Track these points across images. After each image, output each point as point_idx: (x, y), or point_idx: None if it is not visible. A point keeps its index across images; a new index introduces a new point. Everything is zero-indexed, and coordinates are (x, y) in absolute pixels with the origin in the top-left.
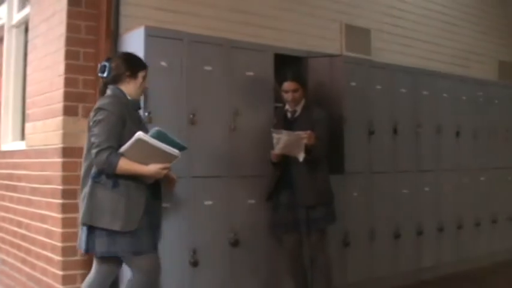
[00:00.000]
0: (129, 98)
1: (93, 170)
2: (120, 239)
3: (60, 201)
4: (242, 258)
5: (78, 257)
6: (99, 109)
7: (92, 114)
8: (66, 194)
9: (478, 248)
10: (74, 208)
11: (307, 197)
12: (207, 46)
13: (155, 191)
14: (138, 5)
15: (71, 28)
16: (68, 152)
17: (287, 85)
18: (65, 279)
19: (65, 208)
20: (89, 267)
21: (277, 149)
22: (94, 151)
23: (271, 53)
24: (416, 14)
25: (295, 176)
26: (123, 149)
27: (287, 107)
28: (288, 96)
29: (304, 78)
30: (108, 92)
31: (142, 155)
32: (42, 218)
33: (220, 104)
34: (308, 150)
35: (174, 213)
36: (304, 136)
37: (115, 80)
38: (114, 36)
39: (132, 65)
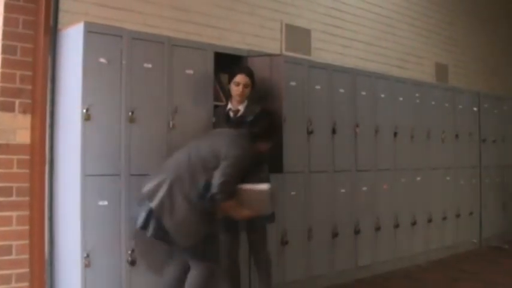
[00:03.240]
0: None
1: (195, 187)
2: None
3: None
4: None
5: (13, 256)
6: (241, 148)
7: (229, 146)
8: (2, 191)
9: (414, 247)
10: (10, 206)
11: None
12: (147, 43)
13: None
14: (78, 0)
15: (8, 22)
16: (3, 148)
17: (240, 77)
18: (0, 279)
19: (0, 206)
20: (24, 267)
21: None
22: (224, 177)
23: (211, 52)
24: (356, 16)
25: None
26: (244, 186)
27: (229, 106)
28: (237, 89)
29: (255, 79)
30: (245, 139)
31: (246, 198)
32: None
33: (159, 102)
34: None
35: (112, 212)
36: None
37: (255, 134)
38: (53, 31)
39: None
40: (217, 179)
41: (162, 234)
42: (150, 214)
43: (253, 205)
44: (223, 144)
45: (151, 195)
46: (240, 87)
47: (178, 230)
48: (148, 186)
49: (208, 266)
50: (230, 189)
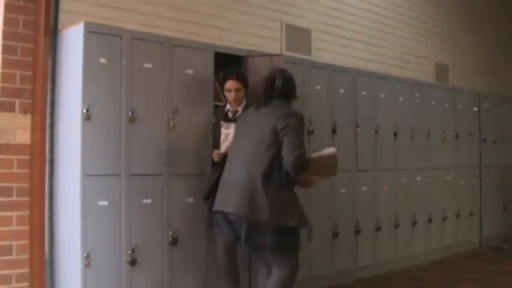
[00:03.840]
0: None
1: (273, 169)
2: (288, 236)
3: None
4: (180, 257)
5: (13, 256)
6: (292, 115)
7: (281, 118)
8: (2, 191)
9: (414, 247)
10: (10, 206)
11: None
12: (147, 43)
13: None
14: (78, 0)
15: (8, 22)
16: (3, 148)
17: (231, 84)
18: (0, 279)
19: (0, 206)
20: (24, 267)
21: (224, 148)
22: (297, 151)
23: (211, 52)
24: (356, 16)
25: None
26: (314, 155)
27: (228, 106)
28: (230, 96)
29: (247, 79)
30: (284, 102)
31: (317, 165)
32: None
33: (159, 102)
34: None
35: (112, 212)
36: None
37: (285, 98)
38: (53, 31)
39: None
40: (287, 156)
41: (253, 240)
42: (233, 224)
43: (324, 170)
44: (273, 119)
45: (235, 206)
46: (232, 93)
47: (275, 216)
48: (225, 201)
49: (294, 262)
50: (303, 161)
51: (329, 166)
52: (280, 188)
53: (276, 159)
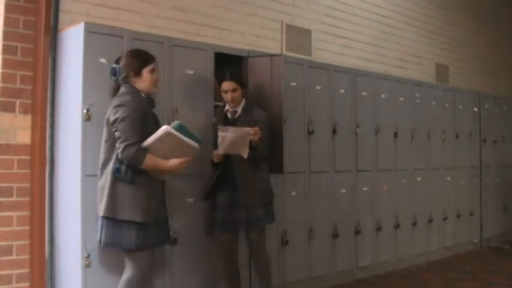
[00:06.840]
0: (143, 95)
1: (113, 164)
2: (131, 232)
3: None
4: (180, 257)
5: (13, 257)
6: (121, 106)
7: (112, 110)
8: (2, 192)
9: (414, 247)
10: (10, 206)
11: (248, 196)
12: (148, 43)
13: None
14: (78, 0)
15: (8, 22)
16: (4, 149)
17: (226, 85)
18: (0, 280)
19: (1, 207)
20: (24, 267)
21: (221, 149)
22: (121, 145)
23: (211, 52)
24: (357, 16)
25: (236, 176)
26: (147, 142)
27: (227, 107)
28: (227, 96)
29: (243, 78)
30: (124, 89)
31: (165, 148)
32: None
33: (159, 102)
34: (253, 147)
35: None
36: (251, 132)
37: (125, 80)
38: (53, 31)
39: (135, 64)
40: (118, 151)
41: (112, 238)
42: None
43: (174, 152)
44: (108, 112)
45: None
46: (229, 94)
47: (110, 209)
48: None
49: (138, 263)
50: (135, 151)
51: (177, 145)
52: (125, 182)
53: (113, 153)
